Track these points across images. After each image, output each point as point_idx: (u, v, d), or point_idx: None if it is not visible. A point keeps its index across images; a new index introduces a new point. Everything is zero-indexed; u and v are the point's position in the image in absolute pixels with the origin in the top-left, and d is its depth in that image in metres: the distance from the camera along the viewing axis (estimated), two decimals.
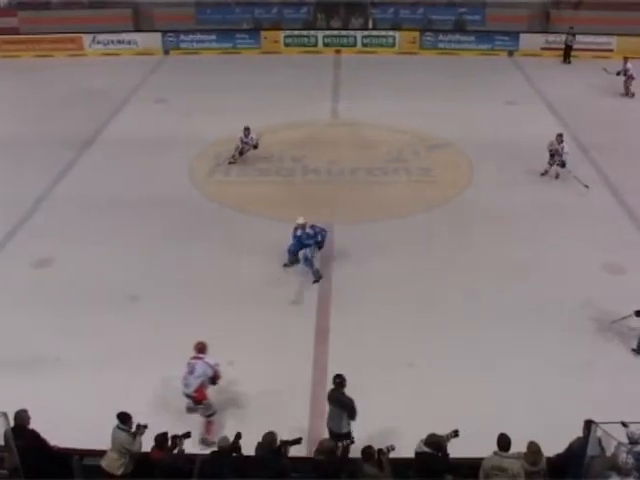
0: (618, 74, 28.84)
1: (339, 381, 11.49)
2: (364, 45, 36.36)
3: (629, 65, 29.01)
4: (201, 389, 12.36)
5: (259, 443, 10.23)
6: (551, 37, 35.43)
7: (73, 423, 11.98)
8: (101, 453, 10.68)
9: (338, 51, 36.15)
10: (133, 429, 10.63)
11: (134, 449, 10.45)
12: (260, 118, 25.95)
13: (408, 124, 26.10)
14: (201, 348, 12.45)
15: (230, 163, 23.02)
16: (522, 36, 35.44)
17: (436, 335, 15.06)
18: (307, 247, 17.03)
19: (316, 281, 17.08)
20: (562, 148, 21.83)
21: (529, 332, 15.16)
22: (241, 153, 23.12)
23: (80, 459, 10.68)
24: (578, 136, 24.84)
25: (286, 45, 36.65)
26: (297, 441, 10.46)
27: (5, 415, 10.37)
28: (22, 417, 10.57)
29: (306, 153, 23.99)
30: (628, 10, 34.87)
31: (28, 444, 10.38)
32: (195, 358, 12.35)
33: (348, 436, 11.40)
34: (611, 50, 34.99)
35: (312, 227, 17.17)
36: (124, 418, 10.55)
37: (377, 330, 15.19)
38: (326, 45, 36.59)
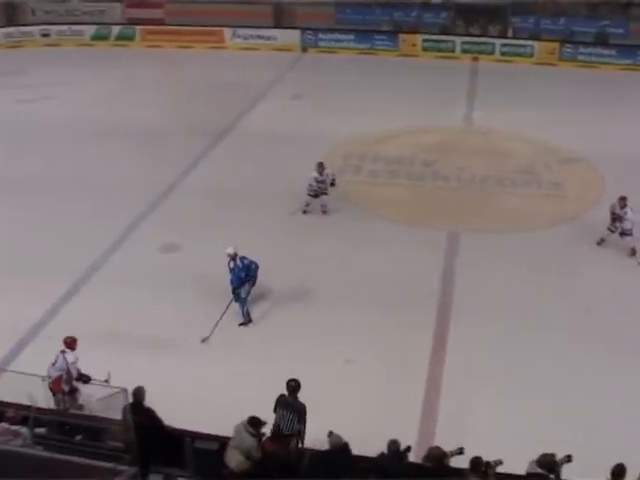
0: None
1: (294, 385, 11.27)
2: (502, 54, 35.86)
3: None
4: (57, 381, 12.58)
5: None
6: None
7: (193, 405, 12.33)
8: (214, 438, 10.90)
9: (475, 58, 35.81)
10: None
11: (257, 457, 10.33)
12: (393, 120, 26.20)
13: (542, 136, 25.72)
14: (69, 343, 12.75)
15: (304, 212, 20.44)
16: None
17: (549, 351, 14.78)
18: (246, 282, 15.69)
19: (243, 324, 15.83)
20: (625, 213, 18.41)
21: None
22: (316, 195, 20.39)
23: (192, 441, 10.83)
24: None
25: (424, 49, 36.53)
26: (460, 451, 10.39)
27: (125, 391, 10.75)
28: (140, 394, 10.83)
29: (437, 158, 23.95)
30: None
31: (142, 421, 10.62)
32: (61, 352, 12.68)
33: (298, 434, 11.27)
34: None
35: (242, 259, 15.62)
36: (255, 423, 10.40)
37: (491, 343, 15.04)
38: (464, 51, 36.28)
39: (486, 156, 24.35)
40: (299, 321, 15.63)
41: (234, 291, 15.62)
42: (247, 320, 15.88)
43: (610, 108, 27.49)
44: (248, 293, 15.78)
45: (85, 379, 12.67)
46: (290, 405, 11.27)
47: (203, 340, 15.04)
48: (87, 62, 34.49)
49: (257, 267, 15.59)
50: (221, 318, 15.23)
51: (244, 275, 15.52)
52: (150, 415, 10.83)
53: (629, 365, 14.47)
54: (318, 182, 20.17)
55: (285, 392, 11.29)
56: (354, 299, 16.51)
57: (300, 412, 11.23)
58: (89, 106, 28.33)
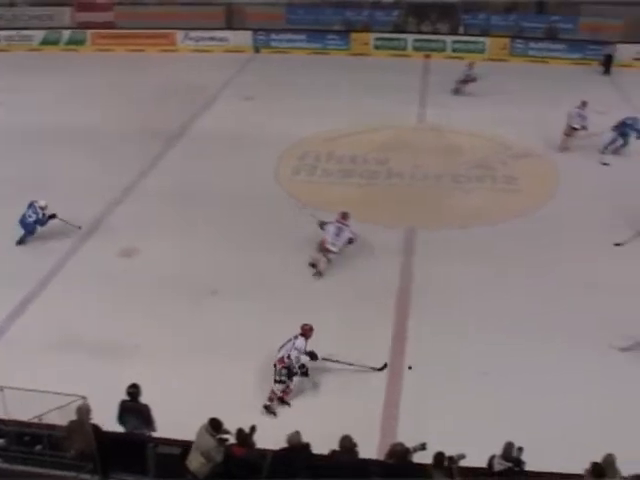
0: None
1: (134, 391, 11.37)
2: (454, 50, 36.18)
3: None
4: None
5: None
6: None
7: (155, 410, 12.24)
8: (177, 442, 10.85)
9: (427, 55, 36.05)
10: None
11: (218, 460, 10.35)
12: (346, 120, 26.28)
13: (496, 131, 26.01)
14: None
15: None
16: (616, 47, 34.32)
17: (510, 345, 14.83)
18: None
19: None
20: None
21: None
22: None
23: (154, 447, 10.79)
24: None
25: (376, 48, 36.73)
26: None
27: (84, 399, 10.63)
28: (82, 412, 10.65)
29: (391, 156, 24.02)
30: None
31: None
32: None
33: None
34: None
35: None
36: (216, 425, 10.44)
37: (451, 334, 15.11)
38: (415, 49, 36.54)
39: (440, 153, 24.50)
40: (256, 320, 15.53)
41: None
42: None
43: (561, 102, 27.73)
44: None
45: None
46: (132, 409, 11.38)
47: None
48: (36, 67, 34.15)
49: None
50: None
51: None
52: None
53: (591, 356, 14.62)
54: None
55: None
56: (311, 298, 16.50)
57: (144, 415, 11.35)
58: (39, 112, 27.88)
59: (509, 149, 24.84)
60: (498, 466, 10.26)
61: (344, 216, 17.85)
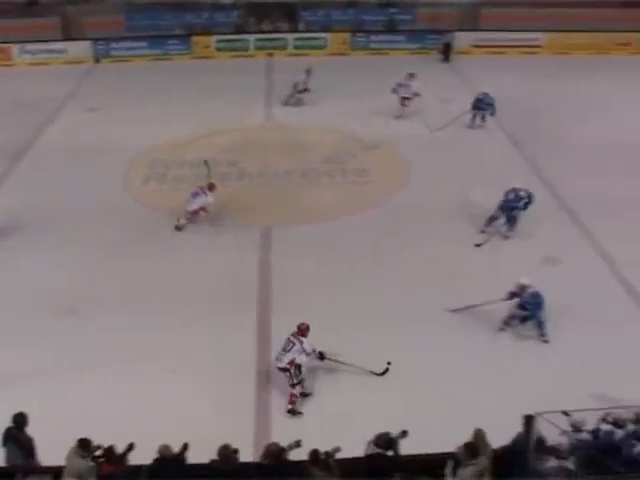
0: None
1: (19, 420, 10.87)
2: (296, 47, 36.32)
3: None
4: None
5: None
6: (481, 35, 35.85)
7: None
8: (48, 470, 10.49)
9: (270, 54, 36.07)
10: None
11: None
12: (194, 124, 26.09)
13: (343, 125, 26.25)
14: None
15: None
16: (454, 34, 35.34)
17: (372, 332, 15.07)
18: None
19: None
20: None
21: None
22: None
23: (23, 477, 10.36)
24: (510, 130, 25.35)
25: (218, 50, 36.46)
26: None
27: None
28: None
29: (240, 157, 23.91)
30: (557, 7, 35.40)
31: None
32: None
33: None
34: (540, 46, 35.61)
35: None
36: (85, 445, 10.10)
37: (313, 330, 15.02)
38: (258, 49, 36.49)
39: (289, 150, 24.57)
40: (127, 332, 15.23)
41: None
42: None
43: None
44: None
45: None
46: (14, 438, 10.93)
47: None
48: None
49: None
50: None
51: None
52: None
53: (455, 336, 15.21)
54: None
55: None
56: (176, 303, 16.34)
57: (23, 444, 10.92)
58: None
59: (358, 141, 25.07)
60: (369, 450, 10.34)
61: (210, 186, 19.42)
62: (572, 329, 15.37)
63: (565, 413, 10.66)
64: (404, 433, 10.45)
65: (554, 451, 10.21)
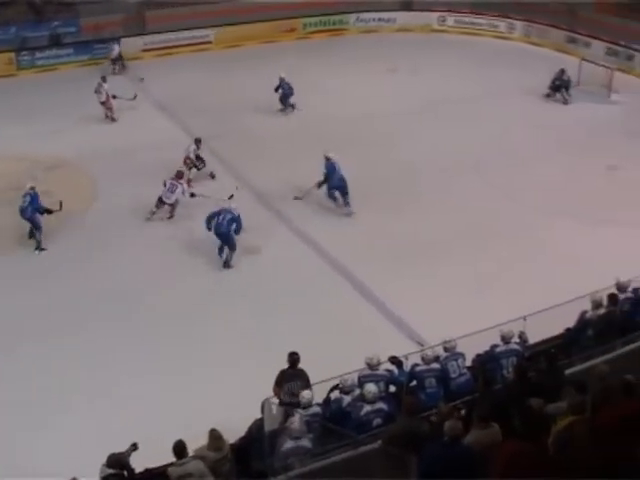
0: None
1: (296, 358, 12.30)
2: None
3: None
4: None
5: None
6: (148, 38, 35.55)
7: None
8: None
9: None
10: None
11: None
12: None
13: (28, 149, 24.81)
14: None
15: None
16: (122, 41, 34.43)
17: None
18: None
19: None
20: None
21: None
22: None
23: None
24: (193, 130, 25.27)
25: None
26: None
27: None
28: None
29: None
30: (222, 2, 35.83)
31: None
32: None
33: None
34: (210, 42, 35.86)
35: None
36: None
37: None
38: None
39: None
40: None
41: None
42: None
43: (75, 106, 27.34)
44: None
45: None
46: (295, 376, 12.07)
47: None
48: None
49: None
50: None
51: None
52: None
53: (150, 344, 15.61)
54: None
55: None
56: None
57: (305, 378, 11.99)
58: None
59: (40, 163, 23.91)
60: (102, 474, 9.87)
61: (178, 174, 21.02)
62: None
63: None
64: (134, 446, 10.34)
65: (287, 431, 10.29)
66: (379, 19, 39.26)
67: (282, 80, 27.89)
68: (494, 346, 12.62)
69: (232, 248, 18.57)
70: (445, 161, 23.76)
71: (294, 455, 10.05)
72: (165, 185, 20.65)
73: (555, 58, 33.55)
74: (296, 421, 10.31)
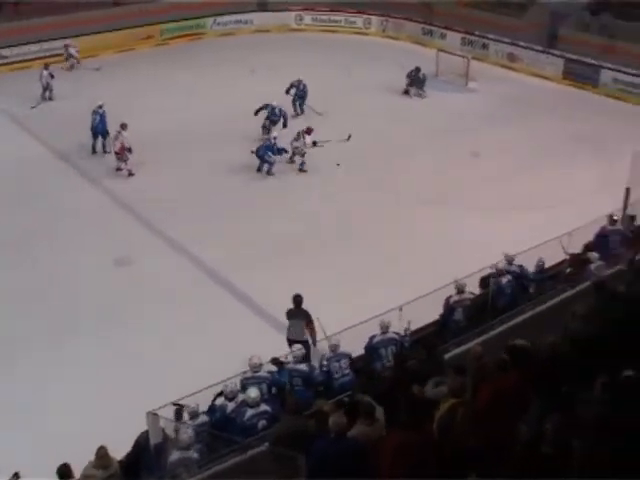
0: None
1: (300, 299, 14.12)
2: None
3: None
4: None
5: None
6: None
7: None
8: None
9: None
10: None
11: None
12: None
13: None
14: None
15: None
16: None
17: None
18: None
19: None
20: None
21: None
22: None
23: None
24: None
25: None
26: None
27: None
28: None
29: None
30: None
31: None
32: None
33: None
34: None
35: None
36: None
37: None
38: None
39: None
40: None
41: None
42: None
43: None
44: None
45: None
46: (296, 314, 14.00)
47: None
48: None
49: None
50: None
51: None
52: None
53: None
54: None
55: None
56: None
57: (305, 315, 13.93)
58: None
59: None
60: None
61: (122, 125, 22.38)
62: None
63: (175, 404, 11.05)
64: (15, 476, 10.03)
65: (174, 442, 10.30)
66: (236, 21, 39.30)
67: (299, 82, 27.62)
68: (372, 337, 12.73)
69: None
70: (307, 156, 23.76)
71: (182, 466, 9.94)
72: None
73: (412, 51, 34.30)
74: (183, 432, 10.24)
